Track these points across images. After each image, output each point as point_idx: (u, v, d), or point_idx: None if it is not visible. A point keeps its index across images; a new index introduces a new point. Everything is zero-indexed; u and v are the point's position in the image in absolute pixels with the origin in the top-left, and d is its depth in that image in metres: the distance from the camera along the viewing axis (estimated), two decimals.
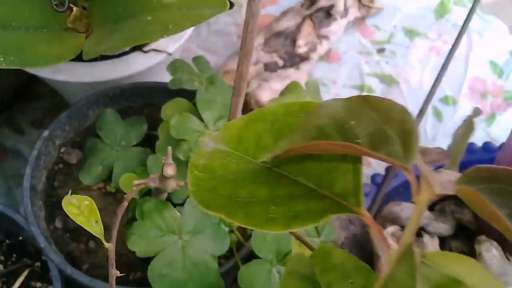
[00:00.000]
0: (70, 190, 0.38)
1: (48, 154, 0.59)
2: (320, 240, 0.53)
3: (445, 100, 0.94)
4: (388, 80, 0.95)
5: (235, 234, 0.53)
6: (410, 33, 1.00)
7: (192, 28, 0.69)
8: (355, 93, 0.96)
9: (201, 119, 0.54)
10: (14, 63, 0.47)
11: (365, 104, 0.23)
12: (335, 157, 0.25)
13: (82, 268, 0.54)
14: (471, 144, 0.73)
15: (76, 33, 0.54)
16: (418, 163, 0.22)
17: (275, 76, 0.88)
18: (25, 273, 0.58)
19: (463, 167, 0.24)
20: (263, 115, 0.27)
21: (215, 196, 0.24)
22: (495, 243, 0.57)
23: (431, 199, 0.21)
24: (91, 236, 0.57)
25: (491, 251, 0.56)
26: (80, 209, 0.36)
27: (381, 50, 0.98)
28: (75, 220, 0.35)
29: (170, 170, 0.40)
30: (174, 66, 0.57)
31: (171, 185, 0.48)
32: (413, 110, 0.90)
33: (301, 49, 0.90)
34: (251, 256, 0.55)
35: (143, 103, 0.64)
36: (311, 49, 0.90)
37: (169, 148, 0.40)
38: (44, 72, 0.64)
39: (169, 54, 0.69)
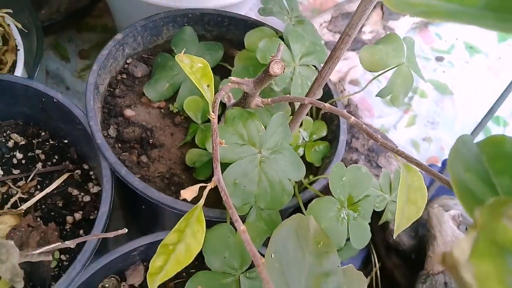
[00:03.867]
0: (184, 49, 0.35)
1: (116, 59, 0.55)
2: (391, 199, 0.49)
3: (496, 120, 0.92)
4: (442, 89, 0.93)
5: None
6: (471, 49, 0.99)
7: None
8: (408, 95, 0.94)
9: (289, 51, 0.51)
10: None
11: None
12: None
13: None
14: None
15: None
16: None
17: None
18: (64, 177, 0.54)
19: None
20: None
21: None
22: None
23: None
24: (144, 151, 0.54)
25: None
26: (193, 69, 0.32)
27: (440, 59, 0.96)
28: (189, 76, 0.32)
29: (277, 68, 0.37)
30: None
31: (256, 101, 0.45)
32: (463, 123, 0.88)
33: (365, 35, 0.88)
34: (309, 202, 0.52)
35: (217, 34, 0.61)
36: (375, 39, 0.88)
37: (281, 44, 0.37)
38: None
39: None
